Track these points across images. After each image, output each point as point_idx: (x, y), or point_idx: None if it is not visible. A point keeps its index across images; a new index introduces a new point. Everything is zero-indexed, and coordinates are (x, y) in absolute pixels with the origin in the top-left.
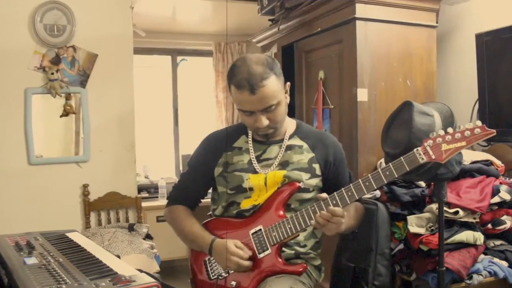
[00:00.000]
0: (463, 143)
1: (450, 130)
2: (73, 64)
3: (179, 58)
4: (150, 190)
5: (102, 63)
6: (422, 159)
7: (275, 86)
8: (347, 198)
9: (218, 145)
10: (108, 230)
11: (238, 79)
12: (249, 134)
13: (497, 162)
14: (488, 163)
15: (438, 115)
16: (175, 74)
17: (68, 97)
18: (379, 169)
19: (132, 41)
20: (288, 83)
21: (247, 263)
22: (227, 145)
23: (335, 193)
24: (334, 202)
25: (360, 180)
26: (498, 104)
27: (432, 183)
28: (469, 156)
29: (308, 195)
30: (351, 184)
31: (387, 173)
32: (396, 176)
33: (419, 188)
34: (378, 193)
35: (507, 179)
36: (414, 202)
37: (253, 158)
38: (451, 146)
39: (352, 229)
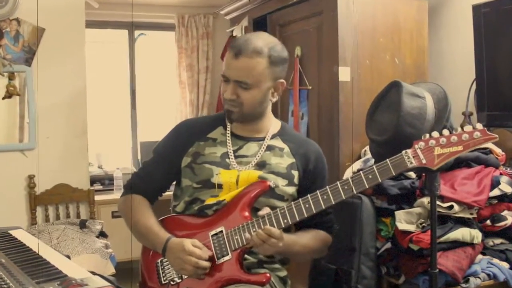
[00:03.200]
0: (460, 148)
1: (445, 132)
2: (17, 39)
3: (136, 32)
4: (104, 181)
5: (49, 38)
6: (411, 163)
7: (261, 69)
8: (322, 202)
9: (190, 133)
10: (57, 227)
11: (235, 42)
12: (228, 126)
13: (497, 150)
14: (487, 151)
15: (430, 97)
16: (132, 51)
17: (11, 76)
18: (361, 172)
19: (83, 13)
20: (283, 81)
21: (205, 263)
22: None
23: (308, 195)
24: (307, 205)
25: (338, 182)
26: (498, 84)
27: (424, 174)
28: None
29: (280, 204)
30: (327, 187)
31: (370, 176)
32: (380, 180)
33: (408, 180)
34: None
35: (508, 169)
36: (403, 195)
37: (230, 151)
38: (446, 150)
39: (297, 257)
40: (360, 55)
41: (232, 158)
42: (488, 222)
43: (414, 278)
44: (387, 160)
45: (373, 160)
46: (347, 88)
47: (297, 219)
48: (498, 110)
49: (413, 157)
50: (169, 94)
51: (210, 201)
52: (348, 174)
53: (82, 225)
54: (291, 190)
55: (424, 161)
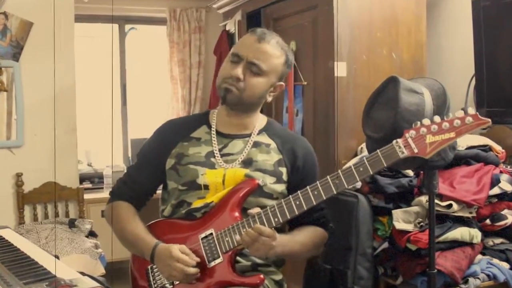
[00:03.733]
0: (452, 135)
1: (436, 118)
2: (5, 33)
3: (127, 26)
4: (94, 180)
5: (38, 33)
6: (402, 153)
7: (277, 62)
8: (312, 198)
9: (173, 134)
10: (45, 227)
11: (257, 29)
12: (213, 124)
13: (497, 147)
14: (487, 148)
15: (428, 93)
16: (122, 46)
17: None
18: (352, 165)
19: (73, 7)
20: (283, 84)
21: (193, 270)
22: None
23: (298, 192)
24: (298, 202)
25: (328, 177)
26: (497, 79)
27: (422, 172)
28: (465, 141)
29: (269, 202)
30: (317, 182)
31: (361, 169)
32: (371, 173)
33: (406, 178)
34: (358, 183)
35: (509, 167)
36: (401, 193)
37: (215, 150)
38: (438, 138)
39: (298, 257)
40: (357, 49)
41: (218, 157)
42: (487, 221)
43: (412, 279)
44: (378, 151)
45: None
46: (343, 84)
47: (288, 217)
48: (498, 106)
49: (404, 146)
50: (160, 89)
51: (197, 203)
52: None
53: (71, 224)
54: (280, 188)
55: (415, 150)
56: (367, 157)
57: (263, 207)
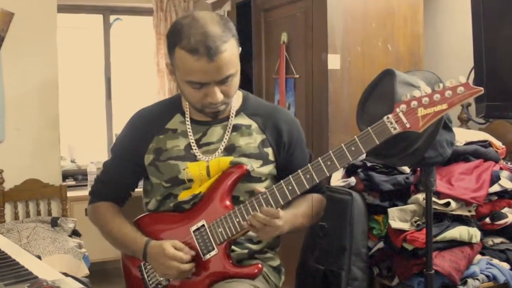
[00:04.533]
0: (444, 106)
1: (427, 89)
2: None
3: (112, 17)
4: (77, 176)
5: (19, 24)
6: (395, 128)
7: (234, 52)
8: (305, 182)
9: (147, 126)
10: (27, 226)
11: (192, 42)
12: (186, 112)
13: (497, 143)
14: (486, 144)
15: (425, 86)
16: (107, 37)
17: None
18: (343, 145)
19: None
20: (239, 47)
21: (189, 266)
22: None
23: (290, 176)
24: (290, 187)
25: (320, 158)
26: (497, 73)
27: (418, 169)
28: (463, 136)
29: (259, 186)
30: (309, 165)
31: (353, 148)
32: (364, 151)
33: (402, 175)
34: (353, 180)
35: (509, 163)
36: (397, 191)
37: (192, 142)
38: (430, 110)
39: (302, 228)
40: (351, 41)
41: (195, 149)
42: (487, 220)
43: (408, 280)
44: (369, 128)
45: (364, 154)
46: (336, 77)
47: (282, 203)
48: (498, 100)
49: (396, 121)
50: (146, 83)
51: (185, 195)
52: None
53: (54, 223)
54: (268, 169)
55: (408, 125)
56: (358, 135)
57: (252, 192)
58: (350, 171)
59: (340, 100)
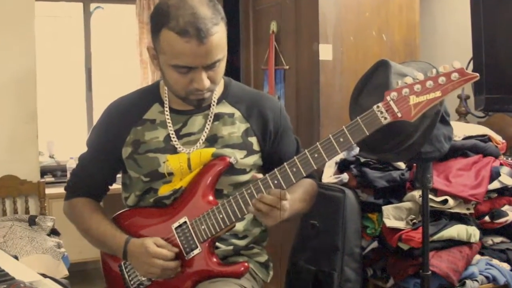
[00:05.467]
0: (438, 94)
1: (419, 76)
2: None
3: (92, 5)
4: (56, 173)
5: None
6: (385, 118)
7: (223, 36)
8: (291, 176)
9: (124, 118)
10: (3, 224)
11: (181, 24)
12: (165, 101)
13: (497, 137)
14: (486, 138)
15: (417, 73)
16: (88, 26)
17: None
18: (330, 135)
19: None
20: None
21: (174, 263)
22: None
23: (275, 170)
24: (276, 181)
25: (306, 151)
26: (497, 64)
27: (414, 164)
28: (462, 130)
29: (244, 178)
30: (295, 157)
31: (341, 139)
32: (353, 143)
33: (397, 171)
34: (345, 177)
35: (509, 159)
36: (392, 188)
37: (171, 133)
38: (422, 98)
39: (300, 214)
40: (343, 31)
41: (175, 140)
42: (486, 218)
43: (404, 281)
44: (358, 118)
45: (357, 149)
46: (328, 68)
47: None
48: (497, 93)
49: (386, 110)
50: (129, 74)
51: (165, 190)
52: (330, 163)
53: (32, 221)
54: (253, 159)
55: (399, 114)
56: (347, 125)
57: (236, 184)
58: (343, 167)
59: (332, 92)
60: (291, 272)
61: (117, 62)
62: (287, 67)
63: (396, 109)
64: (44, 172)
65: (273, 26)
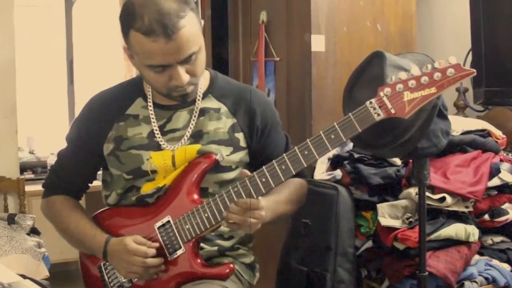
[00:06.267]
0: (433, 90)
1: (414, 71)
2: None
3: None
4: (37, 169)
5: None
6: (378, 114)
7: (195, 27)
8: (280, 174)
9: (106, 113)
10: None
11: (146, 23)
12: (149, 96)
13: (497, 132)
14: (485, 133)
15: (418, 70)
16: (69, 16)
17: None
18: (321, 132)
19: None
20: (202, 20)
21: (155, 260)
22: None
23: (263, 167)
24: (264, 180)
25: (296, 148)
26: (498, 55)
27: (411, 161)
28: (460, 125)
29: (230, 175)
30: (284, 155)
31: (332, 136)
32: (345, 140)
33: (393, 167)
34: (338, 173)
35: (510, 154)
36: (387, 185)
37: (155, 129)
38: (417, 94)
39: (285, 216)
40: (336, 21)
41: (159, 136)
42: (486, 216)
43: (400, 283)
44: (350, 114)
45: (351, 144)
46: (321, 60)
47: (255, 197)
48: (498, 85)
49: (380, 107)
50: (112, 66)
51: (148, 188)
52: (322, 159)
53: (11, 220)
54: (239, 156)
55: (393, 111)
56: (338, 122)
57: (222, 182)
58: (336, 163)
59: (324, 85)
60: (282, 273)
61: (100, 54)
62: (278, 58)
63: (389, 105)
64: (23, 168)
65: (263, 16)
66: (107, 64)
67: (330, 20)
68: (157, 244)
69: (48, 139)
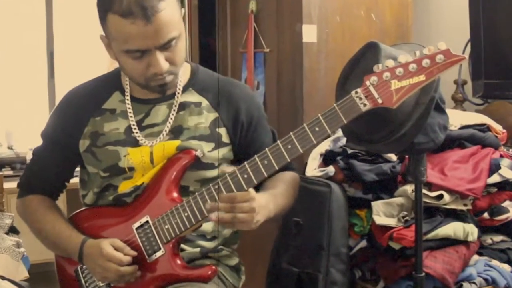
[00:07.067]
0: (422, 78)
1: (402, 59)
2: None
3: None
4: (15, 165)
5: None
6: (364, 105)
7: (175, 12)
8: (262, 169)
9: (82, 107)
10: None
11: (124, 4)
12: (126, 89)
13: (497, 126)
14: (484, 128)
15: (405, 57)
16: (49, 6)
17: None
18: (305, 124)
19: None
20: (182, 8)
21: (130, 269)
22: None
23: (245, 163)
24: (246, 176)
25: (279, 141)
26: (498, 46)
27: (407, 156)
28: (458, 119)
29: (212, 173)
30: (267, 149)
31: (316, 129)
32: (329, 132)
33: (388, 163)
34: (331, 170)
35: (510, 150)
36: (382, 182)
37: (133, 124)
38: (405, 83)
39: (286, 210)
40: (329, 10)
41: (137, 132)
42: (485, 215)
43: (395, 284)
44: (335, 105)
45: (344, 139)
46: (312, 51)
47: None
48: (498, 78)
49: (366, 96)
50: (95, 58)
51: (126, 186)
52: (314, 155)
53: None
54: (221, 152)
55: (380, 101)
56: (323, 113)
57: (204, 180)
58: (328, 159)
59: (316, 77)
60: (272, 274)
61: (82, 46)
62: (268, 50)
63: (376, 95)
64: (1, 164)
65: (252, 5)
66: (90, 56)
67: (322, 9)
68: (134, 253)
69: (27, 134)
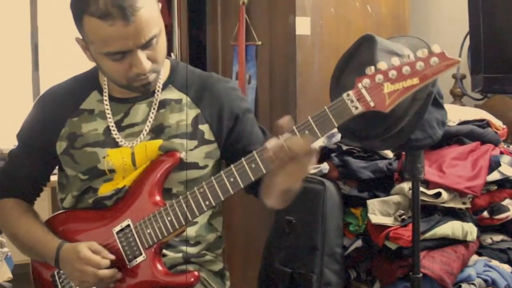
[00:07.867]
0: (415, 81)
1: (395, 61)
2: None
3: None
4: None
5: None
6: (356, 108)
7: (154, 7)
8: (250, 173)
9: (58, 108)
10: None
11: (101, 6)
12: (104, 88)
13: (496, 122)
14: (484, 124)
15: (411, 56)
16: None
17: None
18: (294, 127)
19: None
20: (159, 4)
21: (109, 272)
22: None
23: (232, 166)
24: (232, 179)
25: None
26: (498, 39)
27: (403, 153)
28: (457, 114)
29: (195, 173)
30: (254, 152)
31: (306, 132)
32: (320, 136)
33: (384, 160)
34: (325, 167)
35: (511, 146)
36: (378, 180)
37: (111, 124)
38: (398, 86)
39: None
40: (323, 2)
41: (115, 133)
42: (485, 213)
43: (392, 285)
44: (326, 108)
45: (339, 136)
46: (306, 44)
47: (222, 199)
48: (497, 72)
49: (358, 99)
50: (81, 51)
51: (106, 189)
52: None
53: None
54: (204, 151)
55: (372, 104)
56: (313, 116)
57: (189, 181)
58: (323, 156)
59: (310, 71)
60: (264, 274)
61: (67, 38)
62: (260, 42)
63: (368, 98)
64: None
65: None
66: (75, 49)
67: (316, 1)
68: (113, 257)
69: (11, 130)
